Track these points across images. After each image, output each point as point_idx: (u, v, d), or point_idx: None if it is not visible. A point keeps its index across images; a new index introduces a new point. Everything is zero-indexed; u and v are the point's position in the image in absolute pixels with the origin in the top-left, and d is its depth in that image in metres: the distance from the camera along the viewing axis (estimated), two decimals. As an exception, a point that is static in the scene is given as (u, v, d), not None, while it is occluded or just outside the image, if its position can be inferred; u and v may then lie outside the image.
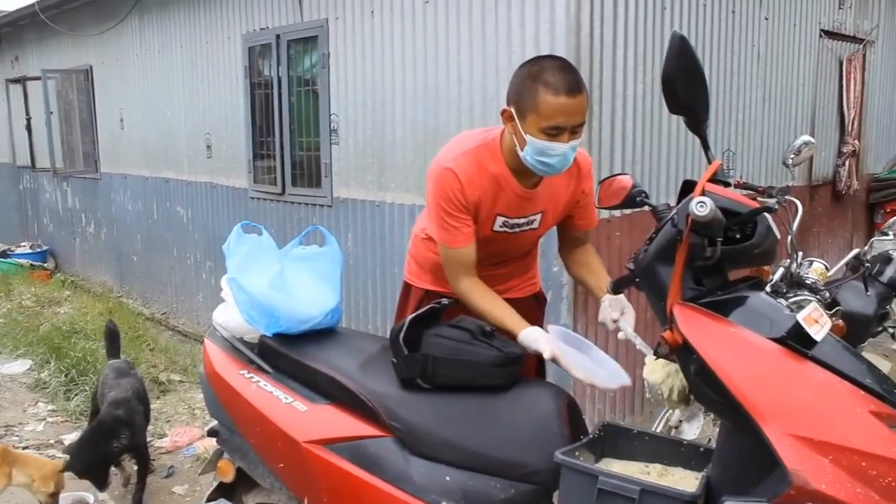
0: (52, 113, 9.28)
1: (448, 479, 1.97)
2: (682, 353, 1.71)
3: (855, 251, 3.42)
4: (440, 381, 2.06)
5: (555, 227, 2.58)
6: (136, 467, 3.67)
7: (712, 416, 3.00)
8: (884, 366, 4.45)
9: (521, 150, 2.18)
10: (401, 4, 4.59)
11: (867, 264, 3.32)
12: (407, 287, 2.74)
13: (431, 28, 4.41)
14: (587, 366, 2.05)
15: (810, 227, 6.13)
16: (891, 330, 3.40)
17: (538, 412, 2.02)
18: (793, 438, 1.50)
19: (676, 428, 3.10)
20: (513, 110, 2.18)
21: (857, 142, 6.65)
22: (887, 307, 3.31)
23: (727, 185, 1.85)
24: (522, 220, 2.40)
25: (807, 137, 2.76)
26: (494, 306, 2.28)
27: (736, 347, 1.61)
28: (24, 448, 4.23)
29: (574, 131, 2.14)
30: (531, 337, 2.15)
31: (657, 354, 1.79)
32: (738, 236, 1.75)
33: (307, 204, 5.65)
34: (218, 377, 2.37)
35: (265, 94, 5.96)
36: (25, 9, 9.07)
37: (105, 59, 8.40)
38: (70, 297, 7.93)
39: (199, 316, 7.21)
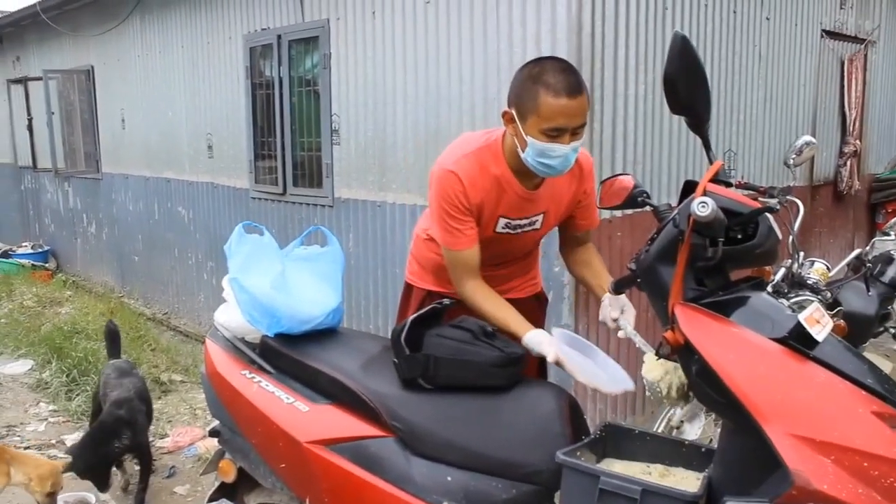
0: (53, 113, 9.28)
1: (449, 479, 1.97)
2: (684, 354, 1.71)
3: (856, 251, 3.42)
4: (442, 381, 2.06)
5: (556, 227, 2.58)
6: (137, 467, 3.67)
7: (714, 416, 3.00)
8: (885, 366, 4.45)
9: (523, 151, 2.18)
10: (402, 5, 4.59)
11: (868, 264, 3.32)
12: (408, 287, 2.74)
13: (433, 28, 4.41)
14: (590, 370, 2.04)
15: (812, 227, 6.12)
16: (892, 330, 3.40)
17: (540, 412, 2.02)
18: (794, 439, 1.50)
19: (678, 428, 3.10)
20: (514, 112, 2.18)
21: (858, 142, 6.64)
22: (889, 307, 3.30)
23: (729, 185, 1.85)
24: (524, 221, 2.40)
25: (808, 138, 2.76)
26: (498, 308, 2.28)
27: (737, 348, 1.61)
28: (25, 448, 4.23)
29: (575, 132, 2.14)
30: (535, 340, 2.15)
31: (659, 355, 1.79)
32: (739, 237, 1.75)
33: (308, 204, 5.65)
34: (219, 377, 2.38)
35: (266, 95, 5.96)
36: (27, 9, 9.07)
37: (106, 59, 8.40)
38: (71, 298, 7.93)
39: (200, 316, 7.21)
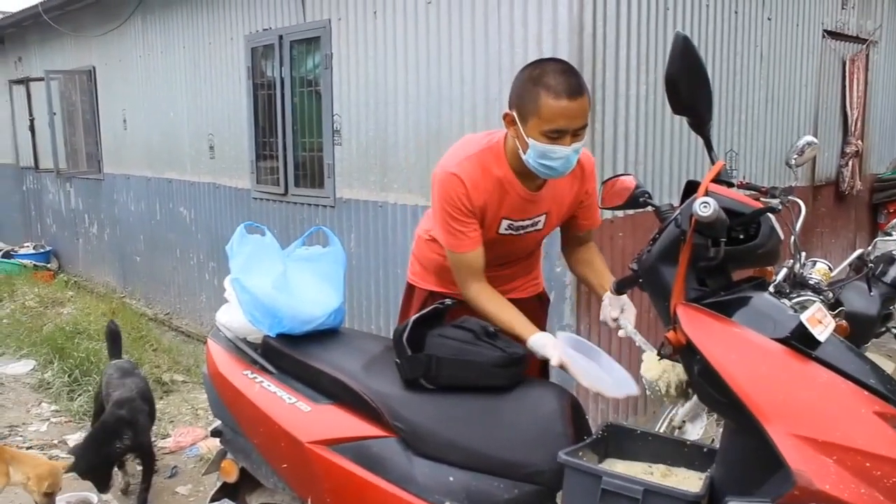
0: (55, 114, 9.28)
1: (451, 479, 1.97)
2: (686, 354, 1.71)
3: (858, 251, 3.42)
4: (444, 381, 2.06)
5: (558, 227, 2.58)
6: (139, 467, 3.67)
7: (716, 416, 3.00)
8: (887, 366, 4.44)
9: (524, 153, 2.18)
10: (403, 5, 4.59)
11: (870, 265, 3.32)
12: (410, 288, 2.74)
13: (434, 28, 4.42)
14: (594, 374, 2.04)
15: (813, 227, 6.12)
16: (894, 330, 3.40)
17: (542, 412, 2.02)
18: (796, 439, 1.49)
19: (680, 428, 3.10)
20: (514, 114, 2.18)
21: (860, 142, 6.64)
22: (891, 307, 3.31)
23: (730, 185, 1.85)
24: (527, 222, 2.40)
25: (810, 138, 2.76)
26: (503, 311, 2.28)
27: (739, 348, 1.61)
28: (28, 448, 4.24)
29: (576, 134, 2.14)
30: (539, 343, 2.15)
31: (661, 355, 1.79)
32: (741, 237, 1.75)
33: (310, 204, 5.65)
34: (221, 377, 2.38)
35: (268, 95, 5.96)
36: (29, 10, 9.08)
37: (108, 59, 8.41)
38: (73, 298, 7.94)
39: (202, 316, 7.21)
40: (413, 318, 2.17)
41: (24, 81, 10.34)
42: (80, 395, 4.98)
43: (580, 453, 1.87)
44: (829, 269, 2.98)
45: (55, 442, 4.39)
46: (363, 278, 5.14)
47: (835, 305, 2.92)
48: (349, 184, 5.23)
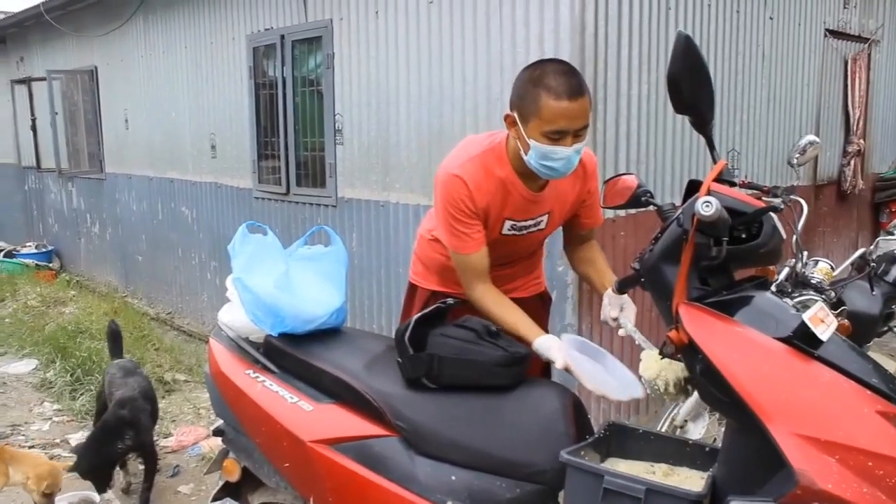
0: (56, 114, 9.29)
1: (453, 478, 1.97)
2: (688, 353, 1.71)
3: (860, 251, 3.42)
4: (446, 380, 2.06)
5: (560, 226, 2.58)
6: (142, 466, 3.67)
7: (717, 415, 3.00)
8: (890, 365, 4.44)
9: (525, 154, 2.18)
10: (405, 5, 4.60)
11: (873, 264, 3.33)
12: (412, 288, 2.74)
13: (436, 28, 4.42)
14: (599, 377, 2.04)
15: (815, 226, 6.12)
16: (896, 329, 3.40)
17: (544, 412, 2.02)
18: (799, 438, 1.49)
19: (681, 427, 3.10)
20: (515, 115, 2.18)
21: (862, 141, 6.63)
22: (893, 307, 3.31)
23: (732, 184, 1.85)
24: (530, 222, 2.40)
25: (812, 137, 2.76)
26: (508, 313, 2.28)
27: (742, 347, 1.61)
28: (30, 447, 4.25)
29: (577, 135, 2.14)
30: (544, 346, 2.15)
31: (663, 354, 1.79)
32: (743, 236, 1.74)
33: (312, 204, 5.65)
34: (223, 377, 2.38)
35: (270, 95, 5.96)
36: (30, 10, 9.09)
37: (110, 59, 8.41)
38: (75, 297, 7.95)
39: (203, 316, 7.22)
40: (415, 317, 2.17)
41: (26, 81, 10.35)
42: (82, 395, 4.99)
43: (582, 452, 1.87)
44: (831, 268, 2.99)
45: (57, 441, 4.40)
46: (365, 278, 5.14)
47: (837, 305, 2.92)
48: (351, 183, 5.24)
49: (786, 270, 2.74)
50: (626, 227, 4.11)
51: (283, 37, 5.65)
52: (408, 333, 2.10)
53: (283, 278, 2.33)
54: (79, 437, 4.30)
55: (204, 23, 6.74)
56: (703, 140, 1.83)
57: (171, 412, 4.79)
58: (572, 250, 2.65)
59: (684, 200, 1.81)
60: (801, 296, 2.61)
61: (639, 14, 4.04)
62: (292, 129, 5.73)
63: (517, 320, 2.25)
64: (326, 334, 2.35)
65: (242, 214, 6.33)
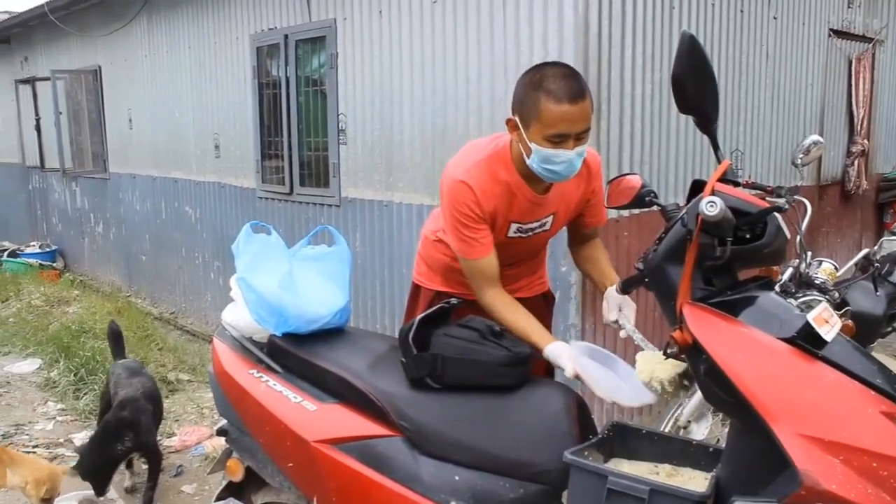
0: (61, 113, 9.31)
1: (457, 478, 1.97)
2: (692, 353, 1.70)
3: (864, 251, 3.41)
4: (449, 380, 2.06)
5: (565, 226, 2.58)
6: (146, 466, 3.67)
7: (721, 416, 3.00)
8: (893, 366, 4.43)
9: (528, 158, 2.18)
10: (409, 4, 4.60)
11: (876, 264, 3.32)
12: (416, 288, 2.74)
13: (439, 28, 4.42)
14: (610, 384, 2.03)
15: (819, 227, 6.11)
16: (900, 330, 3.39)
17: (547, 412, 2.02)
18: (803, 439, 1.49)
19: (685, 428, 3.10)
20: (517, 119, 2.17)
21: (866, 141, 6.62)
22: (897, 307, 3.30)
23: (737, 184, 1.84)
24: (535, 224, 2.40)
25: (816, 137, 2.75)
26: (518, 318, 2.27)
27: (746, 347, 1.61)
28: (34, 447, 4.25)
29: (579, 138, 2.13)
30: (555, 353, 2.15)
31: (667, 354, 1.79)
32: (747, 236, 1.74)
33: (315, 204, 5.66)
34: (227, 376, 2.38)
35: (273, 95, 5.97)
36: (35, 10, 9.11)
37: (114, 59, 8.43)
38: (79, 297, 7.96)
39: (207, 315, 7.23)
40: (419, 317, 2.17)
41: (30, 81, 10.36)
42: (85, 394, 4.99)
43: (586, 453, 1.87)
44: (835, 268, 2.98)
45: (61, 440, 4.40)
46: (369, 277, 5.14)
47: (841, 305, 2.91)
48: (354, 183, 5.24)
49: (789, 271, 2.73)
50: (630, 227, 4.11)
51: (286, 36, 5.66)
52: (411, 333, 2.10)
53: (286, 278, 2.33)
54: (82, 436, 4.30)
55: (207, 22, 6.74)
56: (707, 140, 1.83)
57: (174, 412, 4.79)
58: (576, 249, 2.65)
59: (688, 200, 1.81)
60: (804, 296, 2.60)
61: (643, 14, 4.04)
62: (296, 128, 5.74)
63: (528, 326, 2.24)
64: (330, 334, 2.36)
65: (246, 214, 6.33)
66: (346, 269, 2.48)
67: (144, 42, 7.79)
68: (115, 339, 4.23)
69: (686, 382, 1.86)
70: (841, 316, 2.35)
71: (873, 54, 6.59)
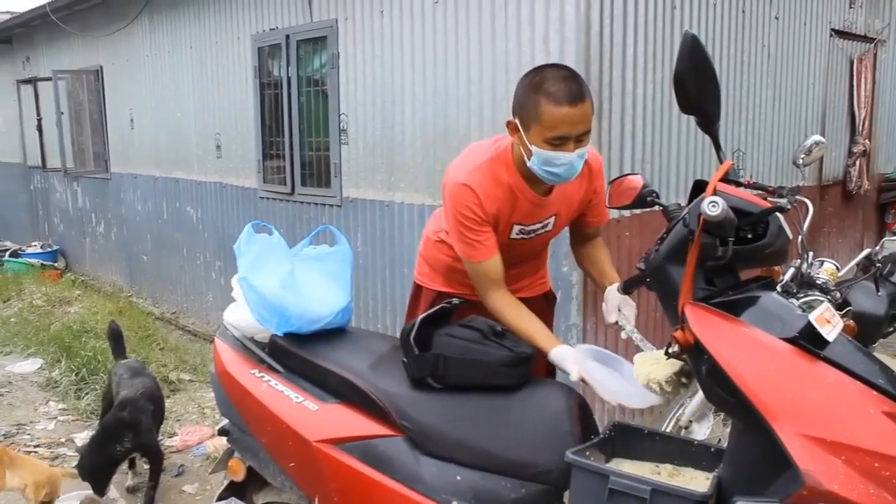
0: (62, 113, 9.32)
1: (459, 478, 1.97)
2: (694, 353, 1.70)
3: (866, 251, 3.41)
4: (451, 380, 2.06)
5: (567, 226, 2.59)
6: (147, 466, 3.67)
7: (723, 416, 3.00)
8: (895, 366, 4.43)
9: (528, 160, 2.18)
10: (410, 4, 4.60)
11: (878, 264, 3.32)
12: (418, 288, 2.74)
13: (441, 28, 4.42)
14: (615, 387, 2.03)
15: (820, 227, 6.11)
16: (902, 330, 3.39)
17: (549, 412, 2.02)
18: (805, 439, 1.49)
19: (686, 428, 3.10)
20: (517, 122, 2.17)
21: (867, 141, 6.62)
22: (899, 307, 3.29)
23: (738, 184, 1.84)
24: (538, 225, 2.40)
25: (817, 137, 2.75)
26: (523, 321, 2.27)
27: (748, 347, 1.61)
28: (35, 447, 4.26)
29: (579, 140, 2.13)
30: (560, 357, 2.14)
31: (668, 354, 1.79)
32: (749, 236, 1.74)
33: (317, 204, 5.66)
34: (229, 376, 2.38)
35: (275, 95, 5.97)
36: (36, 10, 9.12)
37: (115, 59, 8.43)
38: (80, 297, 7.97)
39: (208, 315, 7.23)
40: (420, 317, 2.17)
41: (32, 81, 10.38)
42: (87, 394, 5.00)
43: (587, 453, 1.86)
44: (837, 268, 2.98)
45: (62, 440, 4.41)
46: (370, 277, 5.14)
47: (842, 305, 2.91)
48: (356, 183, 5.24)
49: (791, 271, 2.73)
50: (632, 228, 4.11)
51: (288, 37, 5.66)
52: (413, 333, 2.10)
53: (288, 278, 2.33)
54: (84, 436, 4.30)
55: (209, 23, 6.75)
56: (708, 140, 1.83)
57: (176, 412, 4.79)
58: (578, 248, 2.66)
59: (690, 200, 1.81)
60: (806, 296, 2.60)
61: (644, 13, 4.04)
62: (297, 128, 5.74)
63: (533, 329, 2.24)
64: (332, 334, 2.36)
65: (247, 214, 6.34)
66: (347, 269, 2.48)
67: (146, 42, 7.80)
68: (116, 340, 4.23)
69: (684, 380, 1.86)
70: (843, 316, 2.35)
71: (875, 54, 6.59)
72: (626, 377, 2.06)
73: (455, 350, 2.07)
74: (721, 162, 1.81)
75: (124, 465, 3.69)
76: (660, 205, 2.02)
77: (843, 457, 1.47)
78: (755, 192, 1.97)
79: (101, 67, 8.72)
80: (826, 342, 1.56)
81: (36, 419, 4.74)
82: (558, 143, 2.10)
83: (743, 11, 4.81)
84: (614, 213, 3.69)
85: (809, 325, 1.56)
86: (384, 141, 4.93)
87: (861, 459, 1.47)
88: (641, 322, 2.25)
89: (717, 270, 1.74)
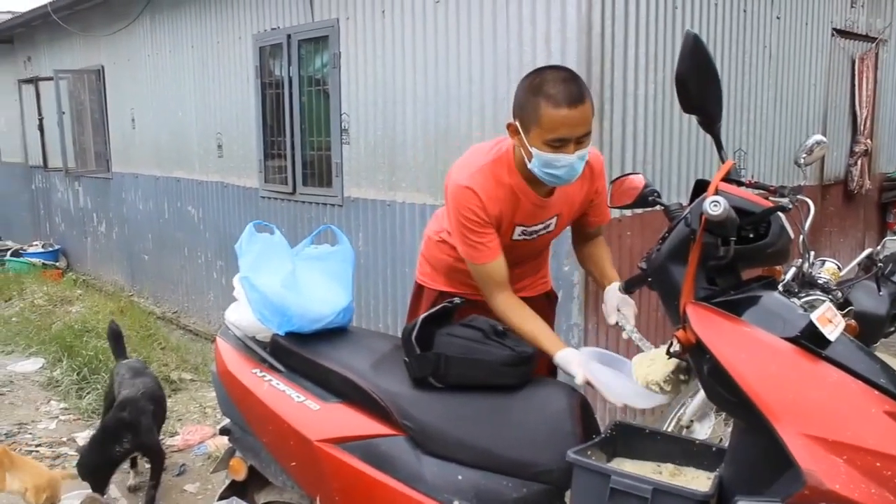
0: (64, 113, 9.32)
1: (460, 478, 1.97)
2: (696, 353, 1.71)
3: (867, 251, 3.41)
4: (452, 380, 2.06)
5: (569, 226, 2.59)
6: (149, 465, 3.67)
7: (724, 415, 3.00)
8: (896, 366, 4.42)
9: (529, 162, 2.18)
10: (411, 4, 4.60)
11: (879, 264, 3.32)
12: (419, 288, 2.75)
13: (442, 28, 4.42)
14: (620, 388, 2.02)
15: (822, 226, 6.10)
16: (903, 330, 3.39)
17: (550, 411, 2.02)
18: (807, 438, 1.49)
19: (688, 427, 3.10)
20: (517, 124, 2.17)
21: (869, 141, 6.62)
22: (901, 307, 3.29)
23: (740, 184, 1.84)
24: (539, 226, 2.41)
25: (819, 137, 2.75)
26: (528, 323, 2.26)
27: (749, 347, 1.61)
28: (37, 446, 4.26)
29: (580, 141, 2.13)
30: (565, 360, 2.14)
31: (670, 354, 1.79)
32: (751, 236, 1.74)
33: (318, 203, 5.66)
34: (230, 376, 2.38)
35: (276, 94, 5.97)
36: (38, 10, 9.13)
37: (117, 59, 8.44)
38: (82, 296, 7.97)
39: (209, 315, 7.23)
40: (422, 316, 2.17)
41: (34, 81, 10.38)
42: (88, 393, 5.00)
43: (589, 452, 1.86)
44: (838, 268, 2.97)
45: (64, 440, 4.41)
46: (371, 277, 5.14)
47: (844, 305, 2.91)
48: (357, 183, 5.24)
49: (792, 270, 2.73)
50: (633, 227, 4.11)
51: (289, 36, 5.66)
52: (414, 333, 2.10)
53: (289, 277, 2.33)
54: (85, 435, 4.30)
55: (210, 22, 6.75)
56: (710, 139, 1.83)
57: (177, 411, 4.80)
58: (580, 247, 2.66)
59: (692, 200, 1.81)
60: (808, 296, 2.60)
61: (645, 13, 4.04)
62: (298, 128, 5.74)
63: (538, 331, 2.24)
64: (333, 333, 2.36)
65: (248, 214, 6.34)
66: (349, 268, 2.48)
67: (147, 42, 7.80)
68: (116, 340, 4.23)
69: (682, 377, 1.86)
70: (844, 316, 2.35)
71: (876, 54, 6.58)
72: (630, 378, 2.07)
73: (456, 349, 2.07)
74: (723, 161, 1.81)
75: (126, 465, 3.69)
76: (661, 204, 2.02)
77: (845, 456, 1.47)
78: (757, 191, 1.97)
79: (103, 67, 8.72)
80: (828, 342, 1.56)
81: (37, 418, 4.74)
82: (558, 145, 2.10)
83: (744, 11, 4.81)
84: (616, 213, 3.69)
85: (811, 324, 1.56)
86: (385, 140, 4.93)
87: (863, 459, 1.47)
88: (642, 322, 2.26)
89: (718, 270, 1.74)
